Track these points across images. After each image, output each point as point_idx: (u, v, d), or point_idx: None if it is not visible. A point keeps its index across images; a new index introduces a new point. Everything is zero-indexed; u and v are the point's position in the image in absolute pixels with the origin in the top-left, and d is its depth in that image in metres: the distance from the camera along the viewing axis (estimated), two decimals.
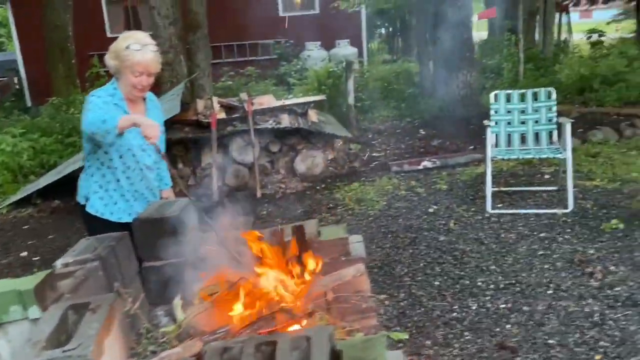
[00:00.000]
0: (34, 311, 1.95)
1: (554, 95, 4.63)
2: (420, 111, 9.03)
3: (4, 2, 13.94)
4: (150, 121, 2.50)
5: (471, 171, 5.67)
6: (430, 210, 4.61)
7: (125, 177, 2.82)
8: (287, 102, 6.66)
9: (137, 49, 2.56)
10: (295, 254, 2.67)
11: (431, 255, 3.71)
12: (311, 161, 6.20)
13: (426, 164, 6.11)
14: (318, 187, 5.71)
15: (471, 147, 6.65)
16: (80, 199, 2.86)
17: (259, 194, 5.65)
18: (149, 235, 2.69)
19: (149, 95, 2.87)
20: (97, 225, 2.72)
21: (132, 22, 14.56)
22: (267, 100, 6.49)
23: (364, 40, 15.86)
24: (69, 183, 6.11)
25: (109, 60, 2.64)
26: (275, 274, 2.45)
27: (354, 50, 14.07)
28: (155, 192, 3.03)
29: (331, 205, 5.04)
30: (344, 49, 13.77)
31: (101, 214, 2.84)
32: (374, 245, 4.00)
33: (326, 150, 6.37)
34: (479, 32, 23.74)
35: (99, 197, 2.83)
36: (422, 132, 7.97)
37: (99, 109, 2.57)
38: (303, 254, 2.67)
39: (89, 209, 2.80)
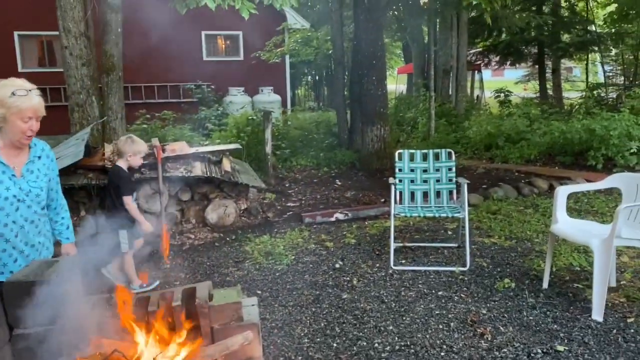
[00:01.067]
0: None
1: (453, 156, 4.86)
2: (337, 162, 9.23)
3: None
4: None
5: (380, 224, 5.79)
6: (337, 265, 4.62)
7: None
8: (201, 149, 6.56)
9: (23, 94, 2.48)
10: (181, 321, 2.56)
11: (332, 315, 3.69)
12: (223, 211, 6.09)
13: (338, 215, 6.19)
14: (228, 239, 5.59)
15: (382, 199, 6.81)
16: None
17: (166, 255, 5.44)
18: (19, 300, 2.49)
19: (41, 144, 2.73)
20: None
21: (47, 59, 14.02)
22: (180, 147, 6.36)
23: (288, 88, 16.14)
24: None
25: None
26: (155, 344, 2.33)
27: (277, 97, 14.28)
28: (40, 249, 2.82)
29: (239, 258, 4.94)
30: (267, 96, 13.94)
31: None
32: (277, 304, 3.92)
33: (239, 200, 6.29)
34: (400, 85, 24.96)
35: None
36: (337, 182, 8.11)
37: None
38: (188, 322, 2.56)
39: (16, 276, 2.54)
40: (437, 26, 15.13)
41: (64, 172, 5.43)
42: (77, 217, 5.69)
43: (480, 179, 7.91)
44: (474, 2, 5.21)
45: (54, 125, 10.54)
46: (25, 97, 2.49)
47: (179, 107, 12.53)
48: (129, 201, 4.19)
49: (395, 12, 14.44)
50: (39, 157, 2.67)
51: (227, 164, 6.44)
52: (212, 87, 13.57)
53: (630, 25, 13.84)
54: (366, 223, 5.93)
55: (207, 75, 13.46)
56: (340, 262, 4.69)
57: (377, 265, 4.58)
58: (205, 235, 5.85)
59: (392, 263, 4.48)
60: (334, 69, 11.47)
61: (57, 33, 7.41)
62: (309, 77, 33.54)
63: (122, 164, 4.32)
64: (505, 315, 3.55)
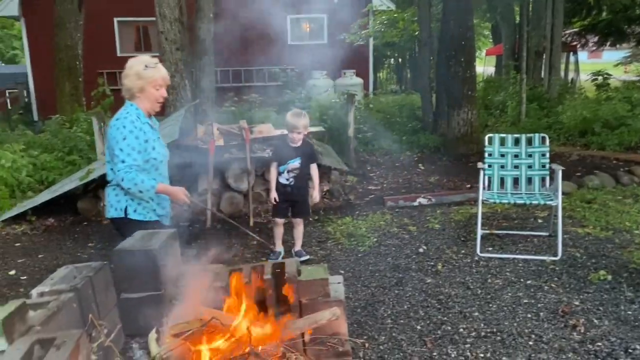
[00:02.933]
0: (2, 343, 1.94)
1: (547, 141, 4.64)
2: (420, 146, 9.09)
3: (18, 18, 14.22)
4: (176, 191, 3.09)
5: (465, 211, 5.66)
6: (420, 250, 4.59)
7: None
8: (286, 131, 6.70)
9: (153, 67, 3.01)
10: (272, 294, 2.67)
11: (416, 298, 3.68)
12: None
13: (421, 200, 6.12)
14: (311, 219, 5.69)
15: (468, 185, 6.65)
16: (113, 212, 3.14)
17: (251, 223, 5.65)
18: (127, 267, 2.70)
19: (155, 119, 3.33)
20: (135, 229, 2.95)
21: (143, 43, 14.81)
22: (266, 129, 6.55)
23: (371, 71, 16.03)
24: (64, 201, 6.18)
25: (131, 82, 3.01)
26: (249, 314, 2.45)
27: (360, 80, 14.22)
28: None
29: (322, 238, 5.03)
30: (350, 79, 13.93)
31: (147, 217, 3.14)
32: (360, 284, 3.97)
33: (322, 181, 6.38)
34: (488, 67, 24.01)
35: (134, 208, 3.12)
36: (420, 167, 8.00)
37: (138, 146, 2.97)
38: (280, 295, 2.67)
39: (133, 216, 3.11)
40: (530, 5, 14.37)
41: None
42: None
43: (574, 166, 7.50)
44: None
45: None
46: (156, 69, 3.01)
47: (264, 91, 12.86)
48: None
49: None
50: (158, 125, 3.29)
51: None
52: (296, 70, 13.76)
53: None
54: (451, 209, 5.82)
55: (291, 58, 13.66)
56: (424, 247, 4.65)
57: (463, 251, 4.49)
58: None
59: (478, 250, 4.38)
60: (419, 51, 11.24)
61: (152, 19, 7.82)
62: (391, 60, 33.10)
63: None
64: (600, 308, 3.38)
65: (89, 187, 6.25)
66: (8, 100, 14.64)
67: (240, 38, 11.88)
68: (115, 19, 14.28)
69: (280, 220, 4.49)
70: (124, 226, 3.11)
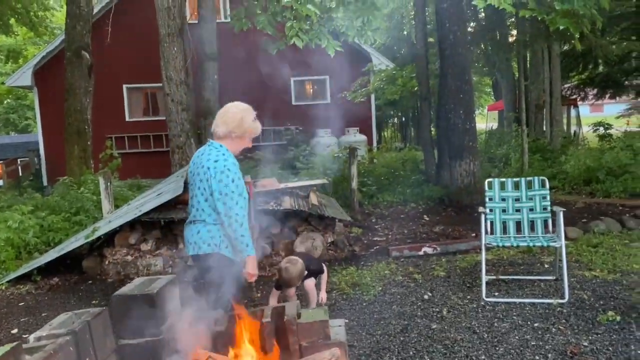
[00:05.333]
0: None
1: (547, 184, 4.66)
2: (424, 197, 9.12)
3: (31, 87, 14.78)
4: (254, 265, 3.10)
5: (471, 258, 5.61)
6: (426, 297, 4.53)
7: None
8: (290, 184, 6.80)
9: (254, 119, 3.17)
10: (272, 337, 2.64)
11: (422, 344, 3.61)
12: (311, 243, 6.20)
13: (427, 249, 6.09)
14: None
15: (473, 234, 6.62)
16: (206, 248, 3.10)
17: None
18: (126, 312, 2.70)
19: None
20: (225, 266, 3.02)
21: (151, 108, 15.27)
22: (270, 183, 6.63)
23: (374, 128, 16.33)
24: (70, 261, 6.21)
25: (237, 126, 3.10)
26: (247, 356, 2.42)
27: (363, 137, 14.48)
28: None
29: (327, 289, 4.97)
30: (353, 136, 14.19)
31: (234, 257, 3.11)
32: (365, 332, 3.90)
33: (326, 233, 6.39)
34: (490, 123, 24.37)
35: (226, 244, 3.10)
36: (425, 218, 8.00)
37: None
38: (280, 338, 2.64)
39: (224, 253, 3.10)
40: (528, 60, 14.79)
41: (165, 207, 5.86)
42: (177, 249, 6.05)
43: (580, 213, 7.47)
44: (561, 27, 5.06)
45: (158, 168, 11.41)
46: (257, 123, 3.18)
47: (269, 150, 13.10)
48: None
49: (483, 48, 14.33)
50: None
51: (314, 198, 6.60)
52: (300, 129, 14.06)
53: None
54: (456, 257, 5.77)
55: (295, 118, 14.01)
56: (429, 294, 4.59)
57: (468, 297, 4.43)
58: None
59: (484, 294, 4.32)
60: (419, 105, 11.51)
61: (159, 85, 8.13)
62: (395, 118, 33.73)
63: None
64: (610, 348, 3.29)
65: (94, 246, 6.29)
66: (20, 168, 14.97)
67: (245, 99, 12.25)
68: (125, 86, 14.79)
69: (276, 291, 4.27)
70: (214, 261, 3.08)
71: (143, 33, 12.54)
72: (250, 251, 3.04)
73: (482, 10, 14.05)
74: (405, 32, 20.84)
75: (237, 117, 3.11)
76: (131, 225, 6.06)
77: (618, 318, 3.72)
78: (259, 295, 5.03)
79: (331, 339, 2.73)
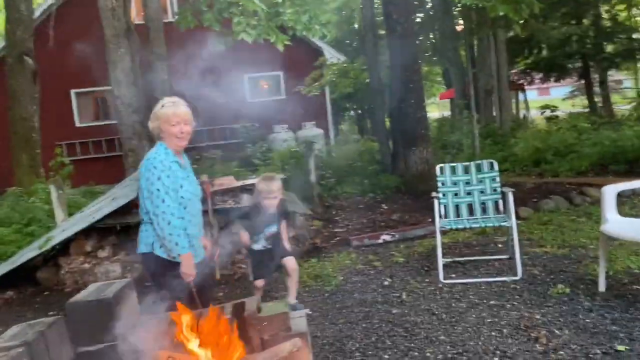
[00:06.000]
0: None
1: (496, 166, 4.82)
2: (382, 187, 9.25)
3: None
4: (187, 266, 3.00)
5: (428, 243, 5.75)
6: (386, 283, 4.63)
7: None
8: (248, 181, 6.77)
9: (170, 105, 3.04)
10: (232, 331, 2.65)
11: (383, 329, 3.69)
12: None
13: (385, 237, 6.19)
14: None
15: (429, 219, 6.76)
16: (143, 247, 3.11)
17: (217, 276, 5.59)
18: (82, 319, 2.65)
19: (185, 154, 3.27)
20: (161, 266, 3.02)
21: (102, 113, 14.90)
22: (228, 181, 6.59)
23: (330, 122, 16.43)
24: (24, 273, 6.01)
25: (151, 125, 3.08)
26: (207, 353, 2.42)
27: (320, 131, 14.55)
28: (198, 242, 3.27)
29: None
30: (310, 130, 14.23)
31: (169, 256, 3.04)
32: (328, 322, 3.95)
33: (287, 227, 6.40)
34: (444, 112, 24.90)
35: (160, 245, 3.05)
36: (383, 206, 8.13)
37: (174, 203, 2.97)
38: (239, 332, 2.65)
39: (158, 253, 3.05)
40: (475, 48, 15.14)
41: (120, 212, 5.75)
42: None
43: (530, 193, 7.74)
44: (501, 13, 5.24)
45: (113, 173, 11.15)
46: (171, 107, 3.03)
47: (226, 148, 12.99)
48: None
49: (431, 37, 14.59)
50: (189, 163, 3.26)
51: None
52: (257, 125, 14.00)
53: None
54: (414, 242, 5.91)
55: (251, 115, 13.92)
56: (389, 280, 4.69)
57: (427, 280, 4.55)
58: None
59: (441, 277, 4.44)
60: (372, 97, 11.65)
61: (109, 88, 7.93)
62: (352, 111, 33.94)
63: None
64: (560, 319, 3.45)
65: (49, 256, 6.11)
66: None
67: (198, 98, 12.11)
68: (72, 91, 14.36)
69: (260, 282, 4.05)
70: (150, 262, 3.08)
71: (88, 35, 12.19)
72: (180, 250, 2.97)
73: (429, 0, 14.33)
74: (356, 26, 21.00)
75: (151, 117, 3.09)
76: (86, 232, 5.92)
77: (567, 290, 3.90)
78: (221, 294, 5.02)
79: (292, 330, 2.76)
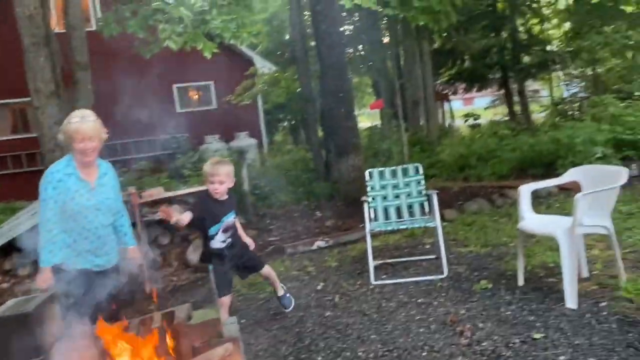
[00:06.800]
0: None
1: (421, 170, 5.02)
2: (316, 195, 9.34)
3: None
4: (40, 277, 2.98)
5: (361, 247, 5.86)
6: (319, 287, 4.69)
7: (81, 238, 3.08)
8: (179, 192, 6.65)
9: (76, 121, 3.02)
10: (161, 341, 2.61)
11: (316, 332, 3.73)
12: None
13: (319, 243, 6.27)
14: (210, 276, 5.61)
15: (361, 224, 6.90)
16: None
17: (147, 290, 5.44)
18: (2, 335, 2.52)
19: (105, 164, 3.26)
20: (67, 278, 2.96)
21: (21, 125, 14.15)
22: (157, 192, 6.44)
23: (263, 131, 16.43)
24: None
25: (59, 137, 3.09)
26: None
27: (253, 141, 14.51)
28: (110, 252, 3.25)
29: None
30: (243, 141, 14.16)
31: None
32: (262, 329, 3.96)
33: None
34: (375, 122, 25.45)
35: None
36: (317, 214, 8.21)
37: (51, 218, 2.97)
38: (170, 341, 2.61)
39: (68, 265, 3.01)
40: (401, 59, 15.64)
41: None
42: None
43: (456, 196, 8.08)
44: (422, 23, 5.51)
45: (35, 188, 10.57)
46: (77, 123, 3.01)
47: (155, 159, 12.66)
48: None
49: (360, 48, 14.94)
50: (106, 174, 3.21)
51: None
52: (187, 136, 13.77)
53: (584, 42, 14.46)
54: (347, 247, 6.02)
55: (181, 125, 13.68)
56: (322, 284, 4.75)
57: (359, 282, 4.65)
58: (188, 276, 5.88)
59: (372, 279, 4.56)
60: (305, 107, 11.78)
61: (28, 99, 7.54)
62: (285, 122, 34.04)
63: None
64: (484, 313, 3.63)
65: None
66: None
67: (123, 109, 11.77)
68: None
69: (227, 299, 3.65)
70: (56, 274, 3.03)
71: (5, 44, 11.57)
72: (41, 262, 2.98)
73: (357, 12, 14.68)
74: (287, 36, 21.16)
75: (60, 130, 3.12)
76: (4, 250, 5.61)
77: (490, 285, 4.11)
78: (151, 307, 4.88)
79: (224, 337, 2.75)
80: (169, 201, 6.26)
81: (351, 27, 16.85)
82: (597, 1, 11.55)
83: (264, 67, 14.77)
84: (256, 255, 4.06)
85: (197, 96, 15.81)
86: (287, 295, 4.17)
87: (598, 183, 3.79)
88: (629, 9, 13.85)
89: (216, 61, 8.07)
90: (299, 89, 11.58)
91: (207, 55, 6.17)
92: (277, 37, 20.52)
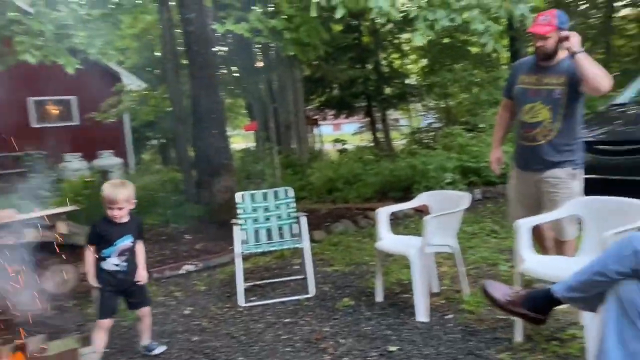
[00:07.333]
0: None
1: (291, 193, 5.21)
2: (186, 217, 9.14)
3: None
4: None
5: (231, 270, 5.85)
6: (186, 312, 4.62)
7: None
8: (32, 215, 6.14)
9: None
10: None
11: (182, 357, 3.69)
12: (61, 276, 5.72)
13: (188, 267, 6.16)
14: (69, 304, 5.27)
15: (232, 247, 6.92)
16: None
17: None
18: None
19: None
20: None
21: None
22: (7, 215, 5.89)
23: (130, 151, 15.74)
24: None
25: None
26: None
27: (119, 160, 13.84)
28: None
29: (81, 322, 4.69)
30: (107, 160, 13.45)
31: None
32: (124, 357, 3.81)
33: (79, 263, 5.96)
34: (249, 143, 25.58)
35: None
36: (187, 237, 8.05)
37: None
38: None
39: None
40: (274, 84, 16.01)
41: None
42: None
43: (324, 218, 8.42)
44: (291, 53, 5.80)
45: None
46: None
47: (7, 178, 11.54)
48: None
49: (234, 69, 15.03)
50: None
51: (63, 227, 6.09)
52: (44, 153, 12.75)
53: (437, 78, 16.02)
54: (217, 270, 5.99)
55: (38, 142, 12.65)
56: (190, 309, 4.69)
57: (227, 305, 4.67)
58: (44, 304, 5.43)
59: (241, 301, 4.61)
60: (175, 126, 11.55)
61: None
62: (155, 141, 32.84)
63: None
64: (345, 329, 3.86)
65: None
66: None
67: None
68: None
69: (106, 322, 3.58)
70: None
71: None
72: None
73: (231, 35, 14.79)
74: (158, 53, 20.59)
75: None
76: None
77: (352, 303, 4.37)
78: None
79: None
80: (21, 224, 5.76)
81: (225, 48, 16.92)
82: (448, 42, 12.89)
83: (132, 83, 14.22)
84: (144, 291, 3.87)
85: (56, 111, 14.73)
86: (154, 343, 3.92)
87: (444, 206, 4.26)
88: (474, 50, 15.66)
89: (80, 75, 7.65)
90: (169, 108, 11.34)
91: (70, 70, 5.84)
92: (148, 53, 19.87)
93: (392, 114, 23.92)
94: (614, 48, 17.26)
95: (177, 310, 4.70)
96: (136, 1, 10.14)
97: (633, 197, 3.31)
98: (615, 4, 16.51)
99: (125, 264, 3.63)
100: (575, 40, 3.54)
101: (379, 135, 19.66)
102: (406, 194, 9.64)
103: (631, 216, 3.11)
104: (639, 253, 2.25)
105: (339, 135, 23.86)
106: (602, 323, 2.37)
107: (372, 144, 19.17)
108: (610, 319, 2.32)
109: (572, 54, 3.56)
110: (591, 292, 2.44)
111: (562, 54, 3.80)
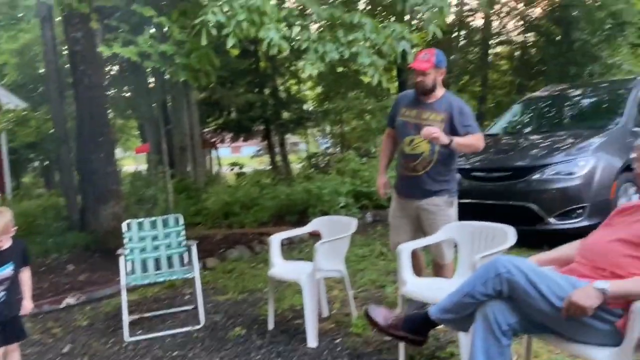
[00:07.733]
0: None
1: (181, 220, 5.08)
2: (69, 245, 8.56)
3: None
4: None
5: (116, 302, 5.55)
6: (65, 350, 4.32)
7: None
8: None
9: None
10: None
11: None
12: None
13: (69, 300, 5.77)
14: None
15: (119, 278, 6.58)
16: None
17: None
18: None
19: None
20: None
21: None
22: None
23: (7, 174, 14.49)
24: None
25: None
26: None
27: None
28: None
29: None
30: None
31: None
32: None
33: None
34: (139, 166, 24.57)
35: None
36: (69, 267, 7.52)
37: None
38: None
39: None
40: (168, 105, 15.63)
41: None
42: None
43: (219, 244, 8.28)
44: (182, 79, 5.76)
45: None
46: None
47: None
48: None
49: (125, 90, 14.47)
50: None
51: None
52: None
53: (332, 105, 16.56)
54: (102, 303, 5.67)
55: None
56: (70, 345, 4.39)
57: (112, 340, 4.43)
58: None
59: (126, 335, 4.39)
60: (58, 148, 10.84)
61: None
62: (36, 163, 30.56)
63: None
64: (236, 359, 3.81)
65: None
66: None
67: None
68: None
69: None
70: None
71: None
72: None
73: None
74: (41, 71, 19.28)
75: None
76: None
77: (243, 332, 4.34)
78: None
79: None
80: None
81: (116, 67, 16.27)
82: (342, 71, 13.40)
83: (9, 103, 13.16)
84: (23, 326, 3.55)
85: None
86: None
87: (334, 232, 4.39)
88: (366, 79, 16.40)
89: None
90: (52, 130, 10.63)
91: None
92: (29, 70, 18.54)
93: (291, 137, 24.27)
94: (490, 81, 18.88)
95: (55, 348, 4.37)
96: (18, 15, 9.50)
97: (503, 219, 3.64)
98: (490, 42, 18.12)
99: (3, 296, 3.34)
100: (440, 135, 3.80)
101: (277, 158, 19.82)
102: (302, 218, 9.78)
103: (498, 240, 3.40)
104: (501, 275, 2.49)
105: (238, 158, 23.71)
106: (471, 341, 2.57)
107: (270, 168, 19.27)
108: (478, 337, 2.52)
109: (447, 146, 3.88)
110: (462, 313, 2.64)
111: (440, 91, 4.13)
